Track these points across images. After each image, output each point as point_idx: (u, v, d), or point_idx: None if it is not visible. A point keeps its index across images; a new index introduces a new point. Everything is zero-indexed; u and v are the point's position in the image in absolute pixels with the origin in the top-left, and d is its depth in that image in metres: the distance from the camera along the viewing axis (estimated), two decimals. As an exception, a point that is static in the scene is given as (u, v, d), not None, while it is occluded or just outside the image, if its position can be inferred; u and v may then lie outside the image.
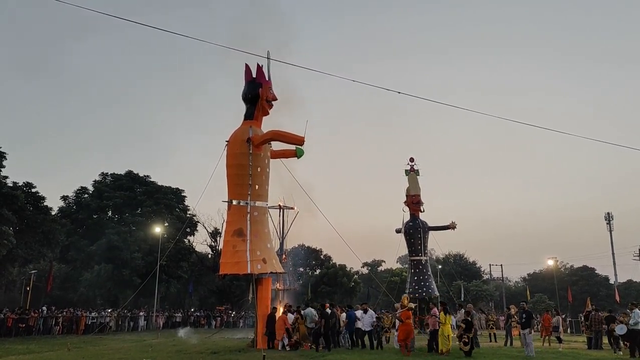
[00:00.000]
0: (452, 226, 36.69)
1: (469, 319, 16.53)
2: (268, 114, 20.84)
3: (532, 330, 17.05)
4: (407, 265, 42.59)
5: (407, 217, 36.38)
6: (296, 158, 20.63)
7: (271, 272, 19.72)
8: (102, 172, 47.26)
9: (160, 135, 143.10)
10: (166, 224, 44.27)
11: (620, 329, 16.69)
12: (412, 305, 17.26)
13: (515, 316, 25.89)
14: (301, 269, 60.84)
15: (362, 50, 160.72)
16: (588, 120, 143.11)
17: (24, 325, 28.11)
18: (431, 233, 36.81)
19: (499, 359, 14.22)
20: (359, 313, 18.97)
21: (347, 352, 16.68)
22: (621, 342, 17.69)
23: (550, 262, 59.90)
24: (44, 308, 33.15)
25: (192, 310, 47.93)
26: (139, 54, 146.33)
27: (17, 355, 16.08)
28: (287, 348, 18.01)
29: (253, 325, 25.67)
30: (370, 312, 19.26)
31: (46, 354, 16.57)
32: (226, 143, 20.20)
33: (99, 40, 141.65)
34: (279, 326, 18.14)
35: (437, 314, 17.49)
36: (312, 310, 19.65)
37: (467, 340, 15.87)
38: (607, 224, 51.99)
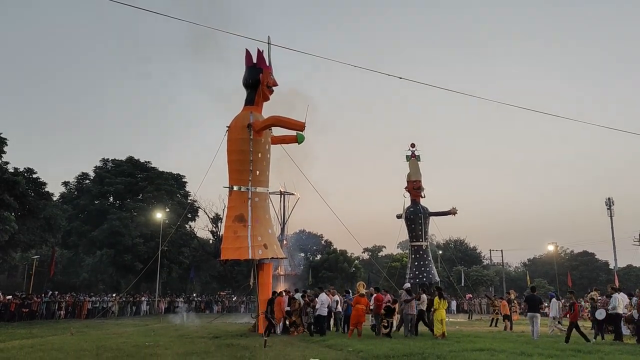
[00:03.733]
0: (452, 212, 36.82)
1: (390, 305, 17.19)
2: (269, 99, 20.77)
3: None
4: (407, 251, 42.74)
5: (408, 203, 36.49)
6: (297, 144, 20.63)
7: (272, 258, 19.81)
8: (103, 158, 47.31)
9: (161, 121, 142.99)
10: (167, 210, 44.39)
11: (599, 314, 16.86)
12: (364, 291, 17.59)
13: (514, 301, 26.06)
14: (302, 255, 61.11)
15: (364, 37, 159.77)
16: (589, 105, 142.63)
17: (27, 310, 28.32)
18: (432, 219, 36.93)
19: (499, 343, 14.32)
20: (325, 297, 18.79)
21: (345, 337, 16.78)
22: (595, 326, 17.81)
23: (551, 248, 60.12)
24: (49, 292, 33.41)
25: (194, 295, 48.26)
26: (138, 37, 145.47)
27: (20, 340, 16.21)
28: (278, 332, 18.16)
29: (254, 310, 25.84)
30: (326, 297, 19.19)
31: (49, 339, 16.70)
32: (227, 129, 20.17)
33: (98, 25, 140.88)
34: (278, 309, 18.24)
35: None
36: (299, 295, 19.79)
37: (386, 325, 16.85)
38: (608, 209, 51.99)
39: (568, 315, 16.30)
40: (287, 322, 18.51)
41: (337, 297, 20.08)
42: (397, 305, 18.15)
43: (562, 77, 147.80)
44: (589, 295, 22.70)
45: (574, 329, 15.47)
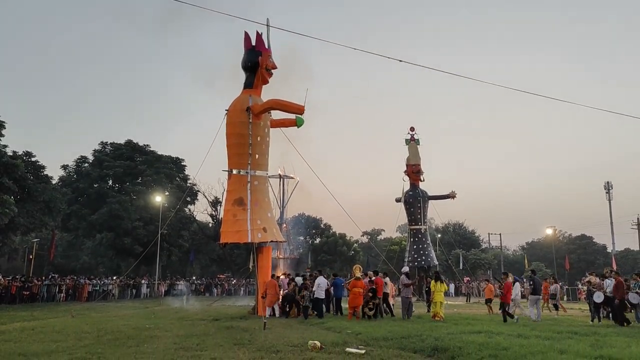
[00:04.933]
0: (451, 195, 36.84)
1: (375, 287, 17.64)
2: (268, 82, 20.64)
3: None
4: (406, 234, 42.88)
5: (407, 186, 36.49)
6: (296, 127, 20.59)
7: (271, 241, 19.87)
8: (102, 142, 47.15)
9: (161, 104, 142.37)
10: (167, 193, 44.36)
11: (597, 297, 17.08)
12: (360, 275, 17.92)
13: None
14: (301, 238, 61.29)
15: (364, 21, 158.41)
16: (588, 88, 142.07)
17: (28, 292, 28.46)
18: (431, 202, 36.95)
19: (496, 325, 14.45)
20: (323, 280, 18.72)
21: (344, 319, 16.92)
22: (592, 309, 18.05)
23: (549, 231, 60.35)
24: (50, 275, 33.53)
25: (194, 278, 48.53)
26: (136, 19, 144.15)
27: (21, 322, 16.31)
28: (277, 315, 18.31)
29: (254, 293, 26.01)
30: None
31: (50, 321, 16.81)
32: (226, 112, 20.09)
33: (96, 8, 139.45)
34: (271, 292, 18.31)
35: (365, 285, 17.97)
36: (300, 279, 19.78)
37: (371, 307, 17.32)
38: (607, 193, 52.05)
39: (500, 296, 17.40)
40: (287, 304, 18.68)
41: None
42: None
43: (561, 59, 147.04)
44: (587, 279, 22.88)
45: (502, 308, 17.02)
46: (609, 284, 16.80)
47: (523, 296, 24.15)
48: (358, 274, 17.69)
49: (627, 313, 17.04)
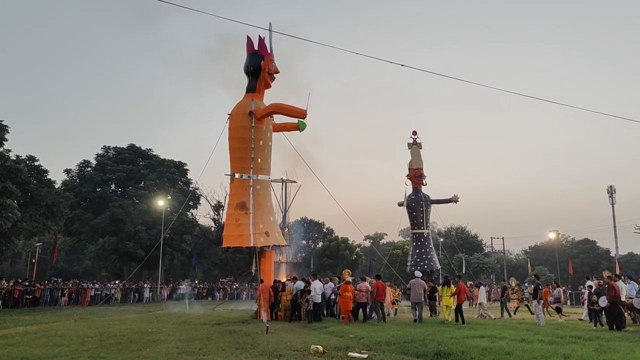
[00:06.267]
0: (454, 199, 36.82)
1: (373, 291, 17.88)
2: (270, 86, 20.74)
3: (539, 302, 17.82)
4: (409, 239, 42.81)
5: (410, 191, 36.49)
6: (298, 131, 20.65)
7: (274, 245, 19.88)
8: (105, 146, 47.31)
9: (163, 108, 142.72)
10: (169, 197, 44.43)
11: (602, 301, 17.01)
12: (350, 279, 17.88)
13: (514, 288, 26.15)
14: (304, 242, 61.26)
15: (366, 25, 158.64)
16: (591, 92, 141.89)
17: (30, 296, 28.47)
18: (433, 206, 36.95)
19: (500, 330, 14.40)
20: (318, 284, 18.64)
21: (341, 323, 16.88)
22: (592, 313, 18.02)
23: (552, 235, 60.23)
24: (53, 279, 33.49)
25: (196, 282, 48.54)
26: (138, 25, 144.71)
27: (24, 326, 16.33)
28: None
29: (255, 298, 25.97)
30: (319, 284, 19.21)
31: (53, 325, 16.82)
32: (228, 116, 20.15)
33: (98, 13, 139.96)
34: (264, 297, 18.22)
35: (368, 288, 17.97)
36: (302, 283, 19.62)
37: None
38: (610, 197, 51.92)
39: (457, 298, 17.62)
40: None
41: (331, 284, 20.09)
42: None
43: (564, 62, 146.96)
44: (589, 283, 22.80)
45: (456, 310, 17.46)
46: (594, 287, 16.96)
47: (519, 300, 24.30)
48: (348, 279, 17.69)
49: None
